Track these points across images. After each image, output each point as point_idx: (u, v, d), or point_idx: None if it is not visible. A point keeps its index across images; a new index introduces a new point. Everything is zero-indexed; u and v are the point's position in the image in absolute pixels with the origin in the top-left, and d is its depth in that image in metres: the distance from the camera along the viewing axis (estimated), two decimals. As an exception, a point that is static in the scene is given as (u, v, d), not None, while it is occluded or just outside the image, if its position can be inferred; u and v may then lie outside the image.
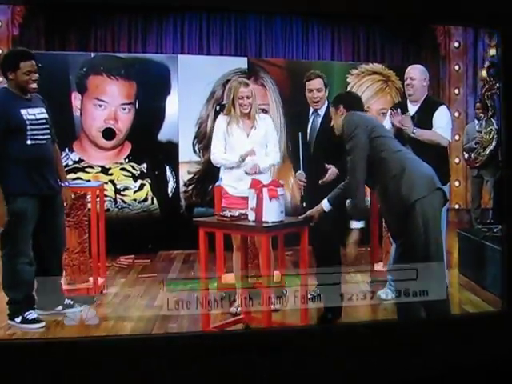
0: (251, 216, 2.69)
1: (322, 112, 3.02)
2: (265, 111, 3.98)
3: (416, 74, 3.06)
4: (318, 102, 2.99)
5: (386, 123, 3.08)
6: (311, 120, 3.03)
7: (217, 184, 3.59)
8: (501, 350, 2.29)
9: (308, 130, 3.02)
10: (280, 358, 2.05)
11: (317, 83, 3.00)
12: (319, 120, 3.00)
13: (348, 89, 4.46)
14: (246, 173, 2.91)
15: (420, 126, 3.01)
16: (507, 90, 2.54)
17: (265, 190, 2.65)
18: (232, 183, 2.99)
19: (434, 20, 2.97)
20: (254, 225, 2.69)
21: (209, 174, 4.09)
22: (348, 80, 4.47)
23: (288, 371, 2.05)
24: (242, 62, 4.23)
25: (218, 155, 3.00)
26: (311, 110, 3.06)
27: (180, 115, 4.18)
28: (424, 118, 3.04)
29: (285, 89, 4.26)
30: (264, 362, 2.04)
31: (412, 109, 3.08)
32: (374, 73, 4.46)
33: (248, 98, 2.88)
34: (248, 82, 2.95)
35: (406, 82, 3.11)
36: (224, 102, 4.10)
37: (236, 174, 2.97)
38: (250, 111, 2.92)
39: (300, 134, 2.90)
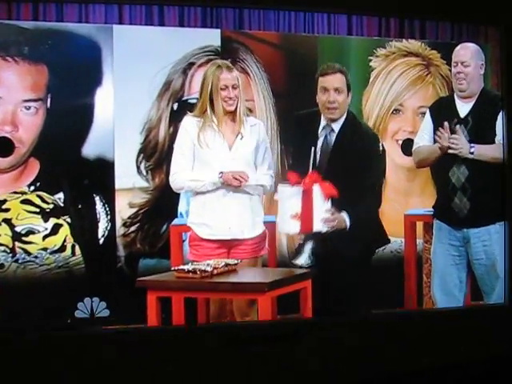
0: (289, 227, 2.65)
1: (337, 126, 2.95)
2: (249, 111, 3.70)
3: (469, 57, 3.06)
4: (334, 108, 2.94)
5: (425, 128, 3.13)
6: (322, 138, 3.00)
7: (175, 223, 3.57)
8: (504, 344, 2.85)
9: (317, 151, 2.98)
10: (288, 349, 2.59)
11: (336, 80, 2.95)
12: (333, 138, 2.98)
13: (372, 76, 4.14)
14: (224, 183, 2.77)
15: (476, 133, 3.01)
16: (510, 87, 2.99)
17: (316, 188, 2.63)
18: (206, 220, 2.86)
19: (432, 17, 3.45)
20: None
21: (162, 206, 3.79)
22: (371, 64, 4.16)
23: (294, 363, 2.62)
24: (212, 37, 3.91)
25: (182, 176, 2.86)
26: (322, 122, 2.96)
27: (116, 118, 3.80)
28: (481, 123, 3.08)
29: (278, 77, 4.04)
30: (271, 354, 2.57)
31: (463, 108, 3.11)
32: (410, 53, 4.20)
33: (234, 87, 2.81)
34: (231, 65, 2.90)
35: (454, 70, 3.08)
36: (186, 98, 3.85)
37: (213, 204, 2.84)
38: (236, 109, 2.84)
39: (313, 149, 2.85)
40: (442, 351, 2.93)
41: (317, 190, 2.67)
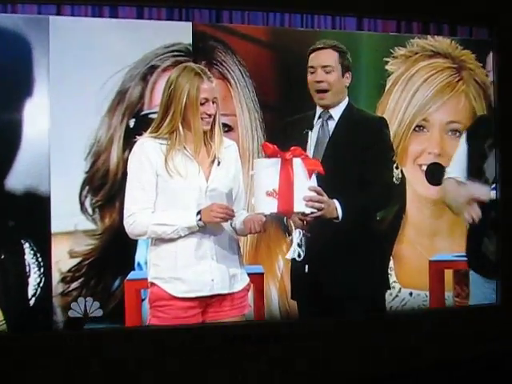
0: (265, 205, 2.55)
1: (336, 113, 2.93)
2: (228, 128, 3.61)
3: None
4: (324, 91, 2.92)
5: (459, 154, 3.21)
6: (317, 126, 2.97)
7: (131, 277, 3.46)
8: (495, 343, 3.21)
9: (310, 144, 2.99)
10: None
11: (324, 57, 2.95)
12: (331, 126, 2.95)
13: (389, 83, 3.93)
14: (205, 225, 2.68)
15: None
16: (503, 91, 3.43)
17: (297, 160, 2.55)
18: (180, 274, 2.66)
19: (424, 18, 3.63)
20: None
21: (114, 255, 3.55)
22: (388, 67, 3.91)
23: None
24: (182, 32, 3.65)
25: (143, 218, 2.65)
26: (318, 110, 2.93)
27: (53, 138, 3.52)
28: None
29: (268, 84, 3.79)
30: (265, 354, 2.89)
31: None
32: (437, 54, 3.97)
33: (214, 101, 2.67)
34: (209, 72, 2.73)
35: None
36: (146, 112, 3.60)
37: (189, 253, 2.66)
38: (212, 128, 2.70)
39: (309, 133, 2.89)
40: (436, 351, 3.15)
41: (298, 164, 2.56)
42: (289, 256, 2.73)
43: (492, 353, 3.26)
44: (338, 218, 2.84)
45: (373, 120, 3.14)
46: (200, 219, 2.60)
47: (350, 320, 3.23)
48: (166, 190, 2.67)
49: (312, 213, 2.63)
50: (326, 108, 3.05)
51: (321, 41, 3.11)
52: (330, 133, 3.05)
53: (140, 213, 2.65)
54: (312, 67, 3.04)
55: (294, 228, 2.77)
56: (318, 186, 2.73)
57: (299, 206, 2.56)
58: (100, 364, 2.81)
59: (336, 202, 2.86)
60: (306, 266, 3.06)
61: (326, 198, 2.70)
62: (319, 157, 3.05)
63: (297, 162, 2.57)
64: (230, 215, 2.63)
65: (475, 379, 3.14)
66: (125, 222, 2.68)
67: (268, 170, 2.55)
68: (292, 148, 2.62)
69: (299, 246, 2.77)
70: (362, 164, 2.94)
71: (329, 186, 2.85)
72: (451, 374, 3.15)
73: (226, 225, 2.72)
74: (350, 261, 3.09)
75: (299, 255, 2.69)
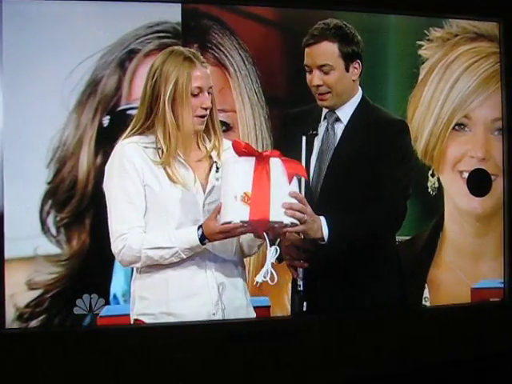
0: (234, 213, 2.30)
1: (345, 114, 2.72)
2: (226, 127, 3.39)
3: None
4: (323, 94, 2.69)
5: None
6: (322, 130, 2.78)
7: (105, 313, 3.28)
8: (502, 342, 3.27)
9: (314, 151, 2.79)
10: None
11: (319, 54, 2.66)
12: (338, 131, 2.75)
13: (423, 72, 3.65)
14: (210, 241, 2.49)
15: None
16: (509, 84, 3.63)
17: (276, 160, 2.34)
18: (173, 307, 2.48)
19: (429, 13, 3.64)
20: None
21: (83, 286, 3.27)
22: (422, 53, 3.64)
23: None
24: (169, 10, 3.38)
25: (136, 239, 2.43)
26: (324, 109, 2.77)
27: (6, 141, 3.19)
28: None
29: (275, 73, 3.55)
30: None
31: None
32: (481, 36, 3.70)
33: (209, 92, 2.52)
34: (201, 56, 2.53)
35: None
36: (125, 107, 3.29)
37: (184, 282, 2.48)
38: (208, 125, 2.57)
39: (304, 137, 2.69)
40: (442, 349, 3.16)
41: (277, 164, 2.32)
42: (259, 278, 2.37)
43: (498, 352, 3.28)
44: (323, 239, 2.52)
45: (388, 124, 2.72)
46: (203, 234, 2.33)
47: (350, 320, 3.07)
48: (156, 204, 2.39)
49: (292, 224, 2.32)
50: (331, 109, 2.72)
51: (316, 27, 2.65)
52: (337, 139, 2.72)
53: (130, 233, 2.38)
54: (307, 66, 2.67)
55: (268, 245, 2.41)
56: (306, 199, 2.45)
57: (276, 215, 2.29)
58: (104, 364, 2.79)
59: (322, 220, 2.53)
60: (305, 304, 2.71)
61: (309, 209, 2.42)
62: (323, 168, 2.75)
63: (275, 162, 2.31)
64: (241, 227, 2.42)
65: (479, 379, 3.19)
66: (113, 247, 2.38)
67: (239, 170, 2.29)
68: (271, 150, 2.44)
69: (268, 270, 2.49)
70: (372, 178, 2.63)
71: (332, 202, 2.65)
72: (454, 373, 3.14)
73: (231, 244, 2.43)
74: (364, 292, 2.70)
75: (272, 279, 2.37)
